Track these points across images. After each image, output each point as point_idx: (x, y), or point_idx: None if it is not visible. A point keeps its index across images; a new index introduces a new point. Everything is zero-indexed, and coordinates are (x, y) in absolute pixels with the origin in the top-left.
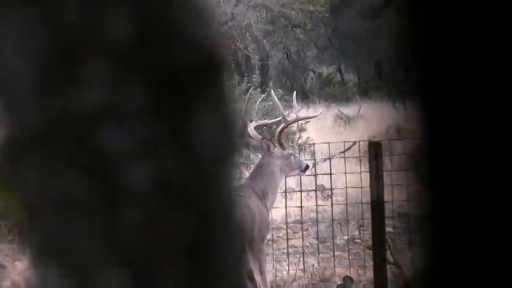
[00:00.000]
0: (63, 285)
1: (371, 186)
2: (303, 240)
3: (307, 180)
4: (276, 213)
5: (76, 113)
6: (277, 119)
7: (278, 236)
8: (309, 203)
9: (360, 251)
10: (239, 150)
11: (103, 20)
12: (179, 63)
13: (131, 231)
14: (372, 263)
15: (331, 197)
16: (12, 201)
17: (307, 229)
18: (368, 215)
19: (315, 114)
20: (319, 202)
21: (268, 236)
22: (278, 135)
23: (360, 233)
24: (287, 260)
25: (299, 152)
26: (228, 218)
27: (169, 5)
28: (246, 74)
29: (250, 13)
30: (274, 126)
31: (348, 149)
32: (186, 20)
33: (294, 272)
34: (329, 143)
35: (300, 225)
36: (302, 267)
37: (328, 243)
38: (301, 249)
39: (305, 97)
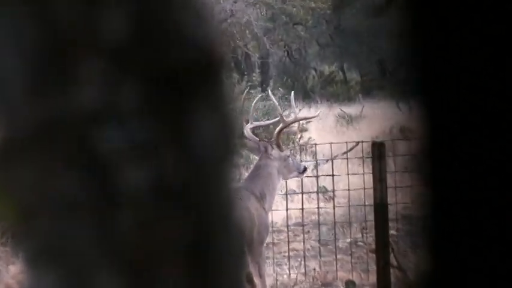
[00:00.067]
0: None
1: (374, 187)
2: (304, 243)
3: (309, 181)
4: (277, 216)
5: (74, 113)
6: (274, 120)
7: (279, 239)
8: (311, 205)
9: (363, 255)
10: (239, 150)
11: (100, 19)
12: (178, 62)
13: (130, 232)
14: (375, 266)
15: (333, 199)
16: (5, 203)
17: (309, 232)
18: (371, 217)
19: (314, 115)
20: (321, 204)
21: (269, 239)
22: (276, 137)
23: (362, 235)
24: (288, 263)
25: (300, 152)
26: (227, 219)
27: (167, 4)
28: (245, 73)
29: (250, 10)
30: (271, 127)
31: (350, 149)
32: (185, 19)
33: (295, 276)
34: (331, 143)
35: (301, 227)
36: (303, 271)
37: (330, 247)
38: (302, 252)
39: (306, 96)
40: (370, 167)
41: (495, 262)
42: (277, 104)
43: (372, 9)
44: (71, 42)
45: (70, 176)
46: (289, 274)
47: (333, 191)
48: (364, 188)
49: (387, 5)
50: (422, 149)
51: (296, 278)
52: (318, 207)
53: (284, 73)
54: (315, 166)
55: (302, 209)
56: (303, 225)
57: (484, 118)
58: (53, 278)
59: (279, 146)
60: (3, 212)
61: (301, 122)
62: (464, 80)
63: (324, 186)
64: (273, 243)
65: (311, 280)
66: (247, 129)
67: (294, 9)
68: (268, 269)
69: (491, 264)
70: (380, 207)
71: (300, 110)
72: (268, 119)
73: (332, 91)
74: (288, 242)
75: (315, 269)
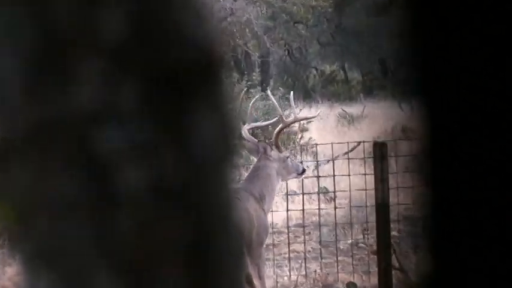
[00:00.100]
0: None
1: (376, 188)
2: (304, 244)
3: (310, 182)
4: (277, 217)
5: (73, 113)
6: (272, 120)
7: (279, 241)
8: (311, 206)
9: (364, 256)
10: (238, 150)
11: (100, 19)
12: (178, 62)
13: (129, 232)
14: (376, 268)
15: (334, 200)
16: (3, 204)
17: (309, 233)
18: (372, 218)
19: (314, 115)
20: (322, 205)
21: (269, 240)
22: (275, 138)
23: (364, 237)
24: (288, 265)
25: (301, 152)
26: (227, 219)
27: (167, 4)
28: (245, 72)
29: (250, 8)
30: (270, 128)
31: (351, 149)
32: (185, 18)
33: (296, 277)
34: (332, 143)
35: (302, 229)
36: (304, 272)
37: (331, 248)
38: (303, 254)
39: (307, 96)
40: (372, 167)
41: (496, 263)
42: (276, 104)
43: (374, 7)
44: (71, 42)
45: (69, 176)
46: (290, 276)
47: (334, 191)
48: (366, 189)
49: (389, 3)
50: (423, 149)
51: (296, 280)
52: (319, 208)
53: (284, 72)
54: (316, 166)
55: (303, 210)
56: (303, 226)
57: (484, 118)
58: (50, 279)
59: (277, 147)
60: (1, 212)
61: (301, 122)
62: (464, 80)
63: (324, 187)
64: (273, 245)
65: (312, 282)
66: (244, 130)
67: (295, 7)
68: (268, 271)
69: (492, 265)
70: (382, 208)
71: (300, 109)
72: (268, 119)
73: (333, 90)
74: (289, 243)
75: (315, 271)
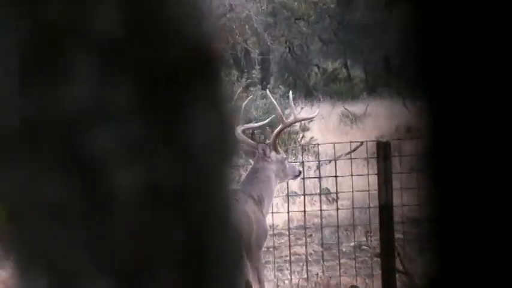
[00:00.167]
0: None
1: (379, 189)
2: (306, 247)
3: (311, 183)
4: (278, 218)
5: (63, 112)
6: (266, 121)
7: (280, 243)
8: (313, 208)
9: (367, 259)
10: (237, 150)
11: (90, 14)
12: (174, 59)
13: (125, 236)
14: (380, 271)
15: (337, 201)
16: None
17: (311, 235)
18: (376, 220)
19: (313, 115)
20: (324, 206)
21: (269, 243)
22: (274, 139)
23: (367, 239)
24: (289, 268)
25: (302, 152)
26: (225, 222)
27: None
28: (245, 70)
29: (250, 4)
30: (268, 128)
31: (354, 149)
32: (181, 14)
33: (297, 281)
34: (334, 143)
35: (303, 231)
36: (305, 276)
37: (333, 251)
38: (304, 256)
39: (308, 94)
40: (375, 167)
41: (502, 265)
42: (276, 104)
43: (377, 3)
44: (62, 39)
45: (59, 177)
46: (291, 279)
47: (336, 192)
48: (369, 190)
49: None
50: (427, 149)
51: (298, 284)
52: (321, 210)
53: (285, 70)
54: (318, 167)
55: (304, 211)
56: (305, 229)
57: (487, 117)
58: (43, 283)
59: (275, 149)
60: None
61: (302, 121)
62: (464, 79)
63: (326, 188)
64: (274, 247)
65: (313, 285)
66: (238, 131)
67: (296, 3)
68: (269, 274)
69: (498, 267)
70: (385, 210)
71: (302, 108)
72: (255, 121)
73: (335, 89)
74: (290, 245)
75: (317, 274)
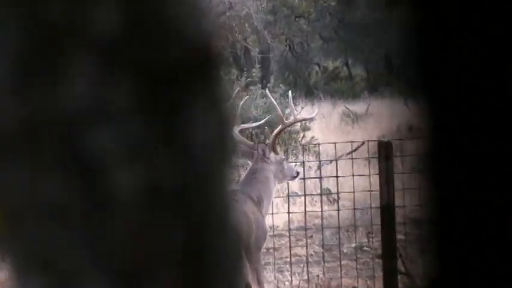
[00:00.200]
0: None
1: (381, 189)
2: (307, 248)
3: (312, 183)
4: (278, 219)
5: (62, 112)
6: (262, 121)
7: (280, 244)
8: (314, 208)
9: (369, 260)
10: (236, 151)
11: (89, 13)
12: (173, 59)
13: (124, 236)
14: (381, 273)
15: (338, 202)
16: None
17: (312, 236)
18: (377, 220)
19: (312, 116)
20: (325, 207)
21: (270, 244)
22: (273, 139)
23: (368, 240)
24: (290, 269)
25: (303, 152)
26: (224, 223)
27: None
28: (245, 68)
29: (250, 2)
30: (266, 129)
31: (355, 149)
32: (180, 12)
33: (298, 282)
34: (335, 143)
35: (304, 232)
36: (306, 277)
37: (334, 252)
38: (304, 258)
39: (309, 93)
40: (377, 167)
41: (504, 267)
42: (275, 103)
43: (378, 1)
44: (60, 38)
45: (59, 177)
46: (291, 281)
47: (337, 193)
48: (370, 190)
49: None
50: (428, 150)
51: (298, 285)
52: (322, 210)
53: (285, 69)
54: (319, 167)
55: (305, 212)
56: (305, 229)
57: (485, 119)
58: (41, 284)
59: (274, 149)
60: None
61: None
62: (464, 79)
63: (327, 188)
64: (274, 248)
65: (314, 287)
66: (235, 132)
67: (296, 1)
68: (269, 276)
69: (499, 269)
70: (387, 210)
71: (302, 107)
72: (269, 117)
73: (336, 88)
74: (290, 247)
75: (318, 276)
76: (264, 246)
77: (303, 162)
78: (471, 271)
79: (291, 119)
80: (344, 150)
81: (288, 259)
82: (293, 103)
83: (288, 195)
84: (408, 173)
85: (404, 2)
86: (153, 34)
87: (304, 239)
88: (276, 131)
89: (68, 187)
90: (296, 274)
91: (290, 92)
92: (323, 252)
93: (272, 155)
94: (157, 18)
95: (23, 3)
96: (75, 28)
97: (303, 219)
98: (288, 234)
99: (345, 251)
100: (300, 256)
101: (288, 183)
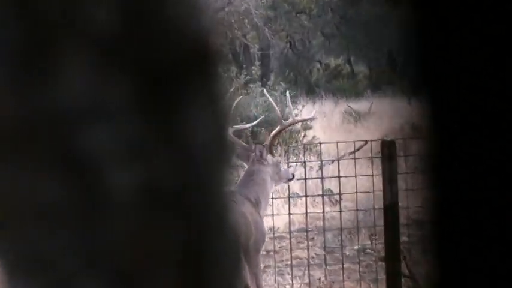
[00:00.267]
0: None
1: (384, 190)
2: (308, 250)
3: (313, 184)
4: (279, 221)
5: (57, 110)
6: (255, 122)
7: (280, 246)
8: (315, 209)
9: (372, 263)
10: (234, 151)
11: (85, 10)
12: (170, 56)
13: (120, 239)
14: (385, 276)
15: (340, 203)
16: None
17: (313, 238)
18: (380, 222)
19: (310, 116)
20: (326, 208)
21: (270, 246)
22: (271, 141)
23: (371, 242)
24: (290, 273)
25: (304, 152)
26: (223, 223)
27: None
28: (244, 66)
29: None
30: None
31: (358, 149)
32: (177, 8)
33: (298, 286)
34: (337, 142)
35: (305, 234)
36: (307, 280)
37: (336, 254)
38: (306, 260)
39: (310, 91)
40: (380, 167)
41: (509, 270)
42: (273, 103)
43: None
44: (56, 35)
45: (50, 179)
46: (292, 284)
47: (339, 194)
48: (373, 191)
49: None
50: (431, 150)
51: None
52: (323, 212)
53: (286, 66)
54: (320, 167)
55: (306, 213)
56: (306, 231)
57: (488, 119)
58: (39, 286)
59: (271, 151)
60: None
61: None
62: (464, 79)
63: (329, 189)
64: (275, 251)
65: None
66: (229, 133)
67: None
68: (269, 279)
69: (504, 271)
70: (390, 211)
71: (303, 106)
72: (269, 117)
73: (338, 86)
74: (291, 249)
75: (319, 279)
76: (264, 248)
77: (304, 162)
78: (475, 273)
79: (290, 119)
80: (346, 149)
81: (289, 262)
82: (294, 102)
83: (289, 196)
84: (412, 173)
85: (404, 1)
86: (151, 32)
87: (305, 241)
88: (273, 132)
89: (66, 187)
90: (297, 277)
91: (288, 92)
92: (325, 255)
93: (269, 156)
94: (156, 16)
95: (21, 2)
96: (73, 27)
97: (304, 220)
98: (288, 236)
99: (347, 253)
100: (301, 259)
101: (288, 184)
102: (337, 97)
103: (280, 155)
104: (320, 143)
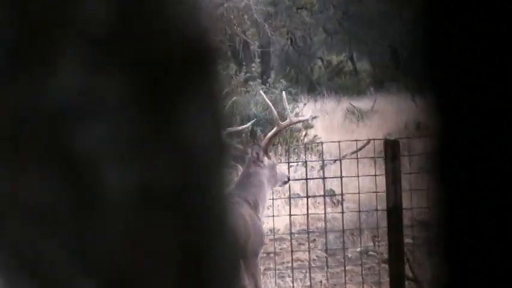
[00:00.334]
0: None
1: (387, 190)
2: (309, 252)
3: (314, 184)
4: (279, 222)
5: (49, 108)
6: (248, 124)
7: (281, 248)
8: (317, 210)
9: (375, 265)
10: (232, 151)
11: (84, 9)
12: (168, 52)
13: (116, 240)
14: (388, 278)
15: (342, 204)
16: None
17: (314, 240)
18: (384, 223)
19: (306, 117)
20: (328, 209)
21: (270, 248)
22: (266, 143)
23: (374, 244)
24: (291, 275)
25: (305, 151)
26: (222, 224)
27: None
28: (244, 63)
29: None
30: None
31: (360, 148)
32: (177, 8)
33: None
34: (339, 141)
35: (306, 235)
36: (308, 283)
37: (338, 256)
38: (307, 263)
39: (312, 89)
40: (383, 167)
41: (496, 263)
42: (270, 104)
43: None
44: (50, 30)
45: (42, 179)
46: (293, 287)
47: (342, 194)
48: (376, 191)
49: None
50: (437, 149)
51: None
52: (325, 213)
53: (287, 63)
54: (322, 167)
55: (307, 214)
56: (308, 233)
57: (484, 118)
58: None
59: (267, 153)
60: None
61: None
62: (464, 80)
63: (331, 189)
64: (275, 253)
65: None
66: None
67: None
68: (270, 282)
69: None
70: (394, 212)
71: (304, 104)
72: (268, 116)
73: (340, 83)
74: (292, 251)
75: (321, 282)
76: (264, 250)
77: (306, 161)
78: (482, 276)
79: (287, 120)
80: (348, 149)
81: (290, 264)
82: (295, 100)
83: (290, 197)
84: (416, 173)
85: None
86: (150, 32)
87: (307, 243)
88: (270, 133)
89: (65, 187)
90: (298, 280)
91: (284, 92)
92: (326, 257)
93: (266, 159)
94: (155, 15)
95: (20, 1)
96: (72, 26)
97: (305, 222)
98: (289, 238)
99: (350, 255)
100: (302, 261)
101: (289, 184)
102: (340, 95)
103: (280, 155)
104: (322, 142)
